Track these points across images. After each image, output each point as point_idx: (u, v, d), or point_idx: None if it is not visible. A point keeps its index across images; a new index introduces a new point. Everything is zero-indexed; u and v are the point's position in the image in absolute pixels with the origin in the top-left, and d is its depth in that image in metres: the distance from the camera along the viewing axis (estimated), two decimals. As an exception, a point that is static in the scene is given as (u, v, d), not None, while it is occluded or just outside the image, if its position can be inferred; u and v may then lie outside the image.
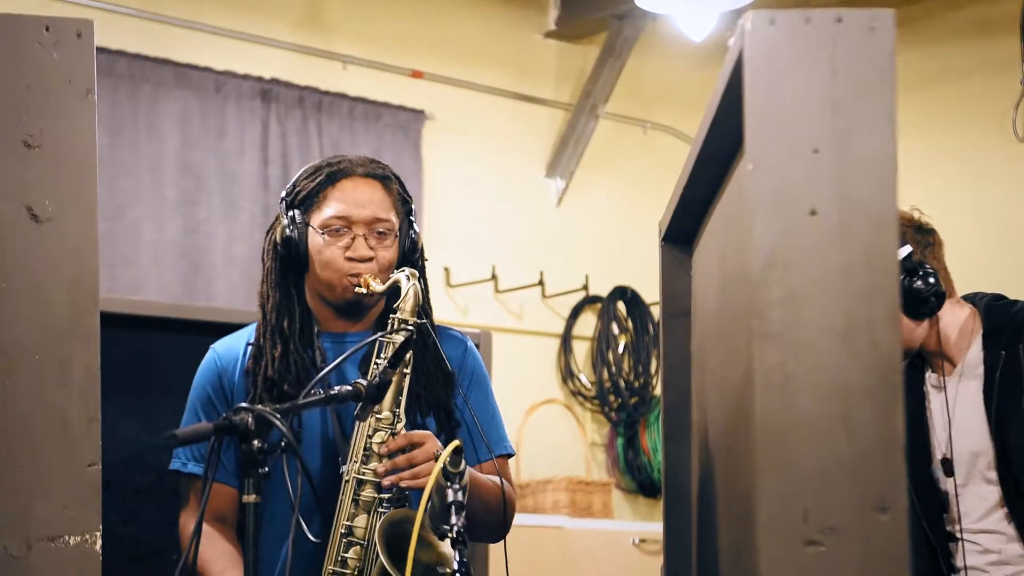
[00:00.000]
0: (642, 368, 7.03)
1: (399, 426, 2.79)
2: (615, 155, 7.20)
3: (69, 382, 2.16)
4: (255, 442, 2.17)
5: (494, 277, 6.79)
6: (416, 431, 2.79)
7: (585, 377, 6.99)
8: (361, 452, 2.78)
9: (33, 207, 2.18)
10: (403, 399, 2.80)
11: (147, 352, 3.88)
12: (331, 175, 2.95)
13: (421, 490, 2.60)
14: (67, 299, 2.19)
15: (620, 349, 7.04)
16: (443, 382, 2.95)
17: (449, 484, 2.33)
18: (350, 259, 2.90)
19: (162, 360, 3.86)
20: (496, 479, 2.90)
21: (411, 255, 3.00)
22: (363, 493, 2.76)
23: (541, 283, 6.92)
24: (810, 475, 1.87)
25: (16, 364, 2.14)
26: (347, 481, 2.78)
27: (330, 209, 2.92)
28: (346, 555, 2.75)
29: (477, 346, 4.19)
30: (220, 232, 6.11)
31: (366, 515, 2.76)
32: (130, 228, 5.93)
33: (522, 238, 6.94)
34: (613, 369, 6.97)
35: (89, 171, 2.23)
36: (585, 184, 7.09)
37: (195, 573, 2.28)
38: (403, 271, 2.87)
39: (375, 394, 2.64)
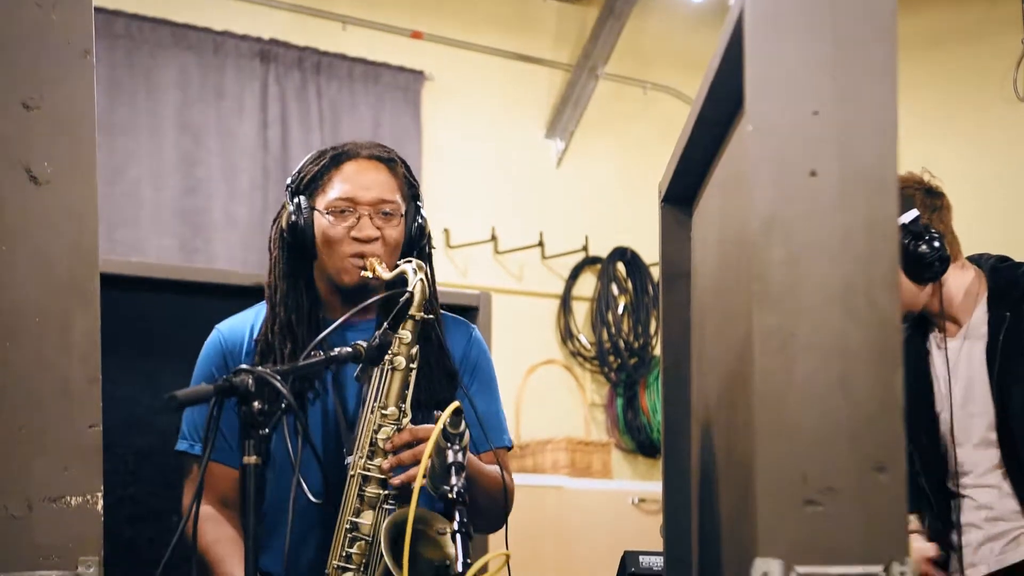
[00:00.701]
0: (641, 329, 7.03)
1: (405, 421, 2.77)
2: (615, 116, 7.19)
3: (70, 344, 2.17)
4: (255, 403, 2.17)
5: (494, 238, 6.79)
6: (420, 426, 2.78)
7: (585, 338, 6.99)
8: (367, 448, 2.77)
9: (32, 169, 2.17)
10: (409, 394, 2.79)
11: (147, 313, 3.89)
12: (335, 158, 2.94)
13: (424, 487, 2.61)
14: (67, 261, 2.19)
15: (620, 310, 7.05)
16: (446, 381, 2.94)
17: (449, 445, 2.34)
18: (355, 239, 2.88)
19: (162, 321, 3.86)
20: (496, 468, 2.90)
21: (418, 241, 2.98)
22: (368, 489, 2.75)
23: (541, 244, 6.92)
24: (809, 436, 1.88)
25: (17, 326, 2.14)
26: (352, 476, 2.77)
27: (335, 191, 2.91)
28: (351, 550, 2.74)
29: (476, 308, 4.21)
30: (219, 193, 6.11)
31: (371, 511, 2.75)
32: (129, 189, 5.93)
33: (522, 199, 6.94)
34: (612, 330, 6.97)
35: (88, 132, 2.23)
36: (585, 145, 7.08)
37: (195, 547, 2.28)
38: (410, 262, 2.85)
39: (375, 355, 2.64)
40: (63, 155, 2.20)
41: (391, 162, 2.97)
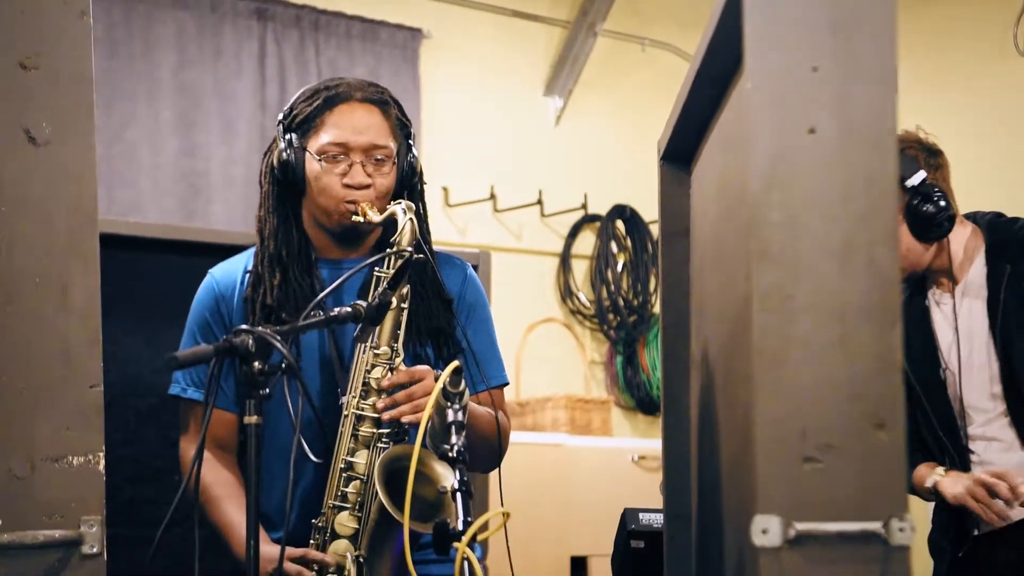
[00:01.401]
0: (641, 286, 7.03)
1: (397, 361, 2.79)
2: (614, 73, 7.17)
3: (70, 304, 2.17)
4: (256, 363, 2.18)
5: (492, 196, 6.78)
6: (415, 367, 2.79)
7: (584, 296, 7.00)
8: (360, 387, 2.78)
9: (31, 130, 2.17)
10: (401, 334, 2.80)
11: (147, 274, 3.89)
12: (329, 99, 2.93)
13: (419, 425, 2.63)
14: (66, 222, 2.19)
15: (619, 268, 7.05)
16: (442, 309, 2.95)
17: (449, 404, 2.34)
18: (347, 186, 2.89)
19: (162, 281, 3.86)
20: (490, 410, 2.91)
21: (409, 179, 2.99)
22: (362, 428, 2.77)
23: (540, 202, 6.91)
24: (808, 394, 1.88)
25: (17, 287, 2.14)
26: (346, 416, 2.79)
27: (327, 135, 2.90)
28: (346, 489, 2.76)
29: (476, 267, 4.21)
30: (218, 154, 6.10)
31: (366, 450, 2.77)
32: (128, 150, 5.92)
33: (520, 157, 6.93)
34: (612, 287, 6.98)
35: (86, 93, 2.22)
36: (583, 102, 7.06)
37: (196, 498, 2.29)
38: (400, 203, 2.86)
39: (374, 315, 2.64)
40: (61, 116, 2.19)
41: (384, 104, 2.97)
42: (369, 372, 2.78)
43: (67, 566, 2.14)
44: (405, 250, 2.78)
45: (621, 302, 6.99)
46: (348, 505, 2.76)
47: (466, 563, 2.08)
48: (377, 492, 2.64)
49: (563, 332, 6.97)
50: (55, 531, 2.13)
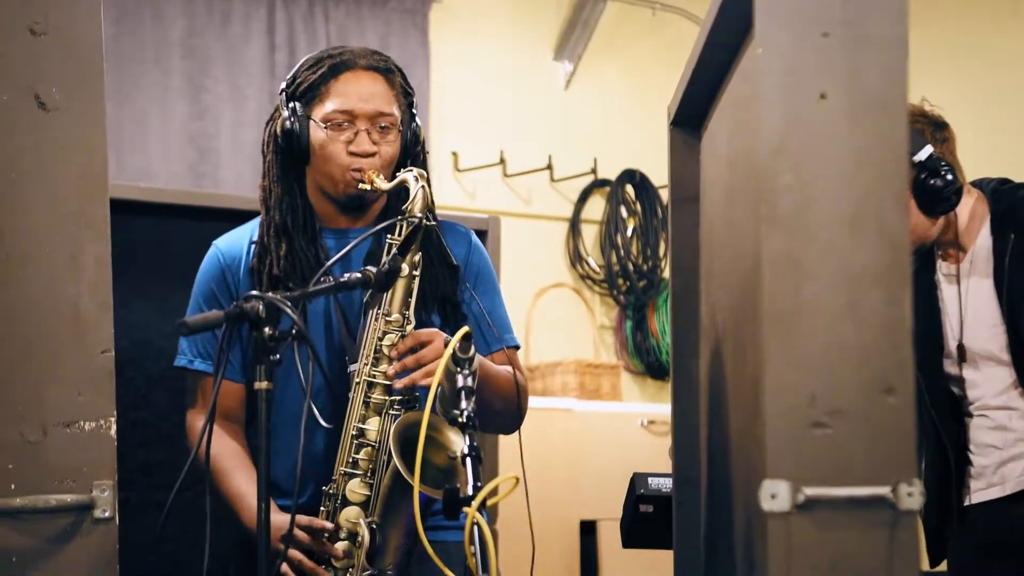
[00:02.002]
0: (650, 251, 7.03)
1: (409, 328, 2.78)
2: (623, 37, 7.14)
3: (80, 270, 2.17)
4: (266, 329, 2.18)
5: (502, 161, 6.77)
6: (423, 330, 2.79)
7: (594, 261, 7.00)
8: (372, 354, 2.78)
9: (41, 95, 2.17)
10: (412, 301, 2.80)
11: (157, 238, 3.90)
12: (333, 68, 2.92)
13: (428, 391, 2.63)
14: (76, 187, 2.20)
15: (629, 232, 7.04)
16: (448, 276, 2.95)
17: (459, 370, 2.35)
18: (353, 154, 2.88)
19: (172, 246, 3.87)
20: (508, 369, 2.92)
21: (413, 147, 2.99)
22: (373, 395, 2.77)
23: (549, 167, 6.90)
24: (817, 360, 1.89)
25: (28, 253, 2.15)
26: (357, 383, 2.79)
27: (332, 103, 2.90)
28: (357, 456, 2.77)
29: (485, 232, 4.21)
30: (227, 118, 6.09)
31: (377, 417, 2.77)
32: (137, 115, 5.92)
33: (530, 122, 6.91)
34: (622, 252, 6.97)
35: (95, 58, 2.22)
36: (593, 67, 7.04)
37: (207, 467, 2.30)
38: (411, 171, 2.84)
39: (384, 281, 2.64)
40: (71, 81, 2.20)
41: (388, 72, 2.96)
42: (381, 339, 2.78)
43: (79, 530, 2.15)
44: (415, 216, 2.78)
45: (631, 267, 6.98)
46: (359, 472, 2.76)
47: (476, 528, 2.09)
48: (391, 458, 2.64)
49: (573, 297, 6.97)
50: (67, 495, 2.14)
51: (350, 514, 2.74)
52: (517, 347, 3.08)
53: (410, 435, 2.61)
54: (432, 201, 2.85)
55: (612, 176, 7.03)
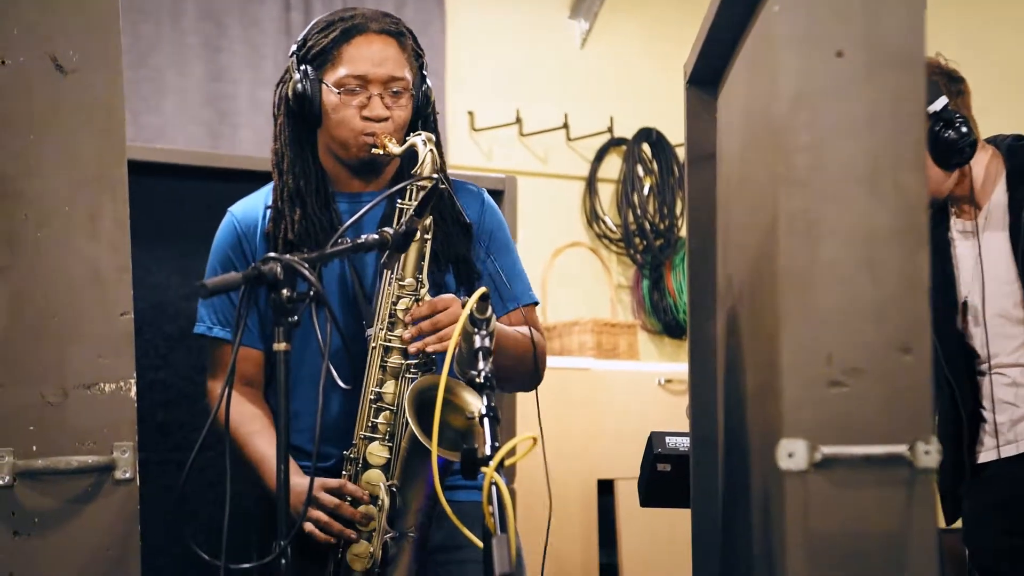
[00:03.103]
0: (667, 210, 7.01)
1: (423, 292, 2.79)
2: (640, -5, 7.11)
3: (99, 232, 2.18)
4: (284, 291, 2.19)
5: (518, 120, 6.76)
6: (439, 297, 2.79)
7: (610, 220, 6.99)
8: (387, 319, 2.79)
9: (58, 58, 2.18)
10: (425, 265, 2.80)
11: (175, 200, 3.90)
12: (346, 31, 2.91)
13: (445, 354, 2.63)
14: (95, 149, 2.20)
15: (645, 191, 7.03)
16: (461, 235, 2.95)
17: (476, 330, 2.35)
18: (365, 118, 2.87)
19: (190, 207, 3.87)
20: (524, 329, 2.92)
21: (424, 110, 2.98)
22: (390, 360, 2.78)
23: (566, 126, 6.89)
24: (834, 318, 1.89)
25: (47, 215, 2.16)
26: (374, 348, 2.79)
27: (345, 67, 2.89)
28: (376, 420, 2.78)
29: (502, 191, 4.20)
30: (244, 78, 6.08)
31: (394, 380, 2.78)
32: (153, 75, 5.91)
33: (546, 80, 6.89)
34: (638, 211, 6.96)
35: (112, 19, 2.23)
36: (609, 25, 7.01)
37: (226, 433, 2.31)
38: (419, 135, 2.84)
39: (401, 242, 2.65)
40: (88, 43, 2.20)
41: (400, 35, 2.95)
42: (395, 304, 2.78)
43: (100, 491, 2.17)
44: (428, 177, 2.78)
45: (647, 226, 6.97)
46: (379, 435, 2.77)
47: (494, 488, 2.09)
48: (408, 422, 2.65)
49: (589, 256, 6.97)
50: (88, 457, 2.16)
51: (371, 477, 2.76)
52: (535, 303, 3.08)
53: (426, 398, 2.62)
54: (443, 162, 2.85)
55: (628, 135, 7.01)
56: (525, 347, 2.89)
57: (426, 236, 2.80)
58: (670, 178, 7.01)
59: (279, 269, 2.18)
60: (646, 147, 7.05)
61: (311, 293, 2.19)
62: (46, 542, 2.13)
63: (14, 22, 2.15)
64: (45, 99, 2.16)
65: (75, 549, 2.15)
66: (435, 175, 2.78)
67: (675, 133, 6.91)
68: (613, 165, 7.04)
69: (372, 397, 2.78)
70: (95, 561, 2.16)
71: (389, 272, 2.80)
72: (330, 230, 2.87)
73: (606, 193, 7.02)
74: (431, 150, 2.81)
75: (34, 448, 2.13)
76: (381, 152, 2.85)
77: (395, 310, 2.78)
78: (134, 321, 2.21)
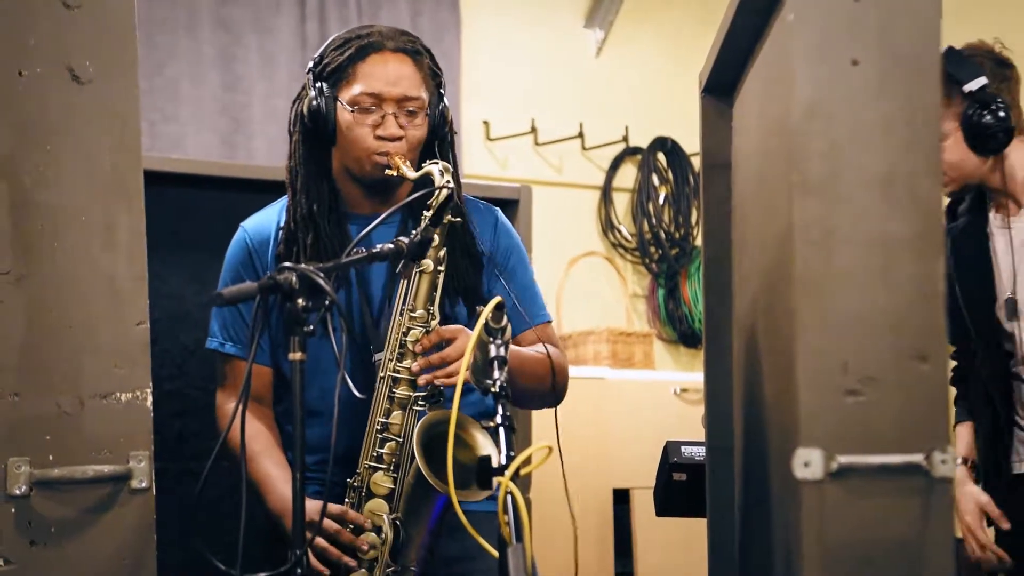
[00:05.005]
0: (682, 219, 7.01)
1: (434, 323, 2.77)
2: (655, 4, 7.12)
3: (116, 242, 2.19)
4: (299, 300, 2.19)
5: (533, 130, 6.76)
6: (448, 327, 2.78)
7: (625, 229, 6.99)
8: (396, 350, 2.77)
9: (75, 68, 2.18)
10: (437, 296, 2.78)
11: (191, 210, 3.91)
12: (361, 49, 2.89)
13: (454, 387, 2.63)
14: (111, 159, 2.21)
15: (660, 200, 7.03)
16: (473, 267, 2.93)
17: (491, 339, 2.35)
18: (380, 138, 2.85)
19: (205, 217, 3.88)
20: (540, 348, 2.90)
21: (440, 130, 2.95)
22: (398, 390, 2.76)
23: (581, 135, 6.89)
24: (850, 327, 1.88)
25: (63, 225, 2.16)
26: (382, 378, 2.78)
27: (360, 85, 2.87)
28: (381, 450, 2.76)
29: (517, 201, 4.20)
30: (259, 88, 6.10)
31: (401, 411, 2.76)
32: (169, 85, 5.93)
33: (561, 90, 6.90)
34: (653, 220, 6.96)
35: (128, 30, 2.23)
36: (624, 34, 7.02)
37: (241, 457, 2.31)
38: (437, 163, 2.81)
39: (416, 251, 2.64)
40: (104, 54, 2.20)
41: (417, 54, 2.93)
42: (405, 335, 2.77)
43: (117, 500, 2.17)
44: (442, 187, 2.76)
45: (663, 235, 6.97)
46: (383, 465, 2.76)
47: (510, 497, 2.09)
48: (414, 456, 2.64)
49: (605, 265, 6.97)
50: (104, 466, 2.16)
51: (374, 506, 2.75)
52: (548, 321, 3.07)
53: (434, 434, 2.61)
54: (457, 183, 2.83)
55: (644, 144, 7.01)
56: (544, 366, 2.87)
57: (439, 268, 2.78)
58: (685, 187, 7.01)
59: (294, 278, 2.19)
60: (661, 156, 7.05)
61: (327, 303, 2.19)
62: (62, 551, 2.13)
63: (31, 33, 2.16)
64: (61, 110, 2.17)
65: (91, 558, 2.15)
66: (448, 185, 2.78)
67: (690, 142, 6.91)
68: (628, 174, 7.04)
69: (379, 426, 2.77)
70: (111, 570, 2.16)
71: (400, 302, 2.78)
72: (342, 253, 2.86)
73: (621, 202, 7.02)
74: (448, 180, 2.78)
75: (50, 458, 2.13)
76: (394, 173, 2.83)
77: (405, 340, 2.77)
78: (150, 331, 2.21)
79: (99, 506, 2.16)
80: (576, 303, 6.75)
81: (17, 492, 2.11)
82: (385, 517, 2.73)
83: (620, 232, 6.96)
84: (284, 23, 6.17)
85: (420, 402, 2.76)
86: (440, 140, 2.96)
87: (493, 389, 2.28)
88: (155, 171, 3.48)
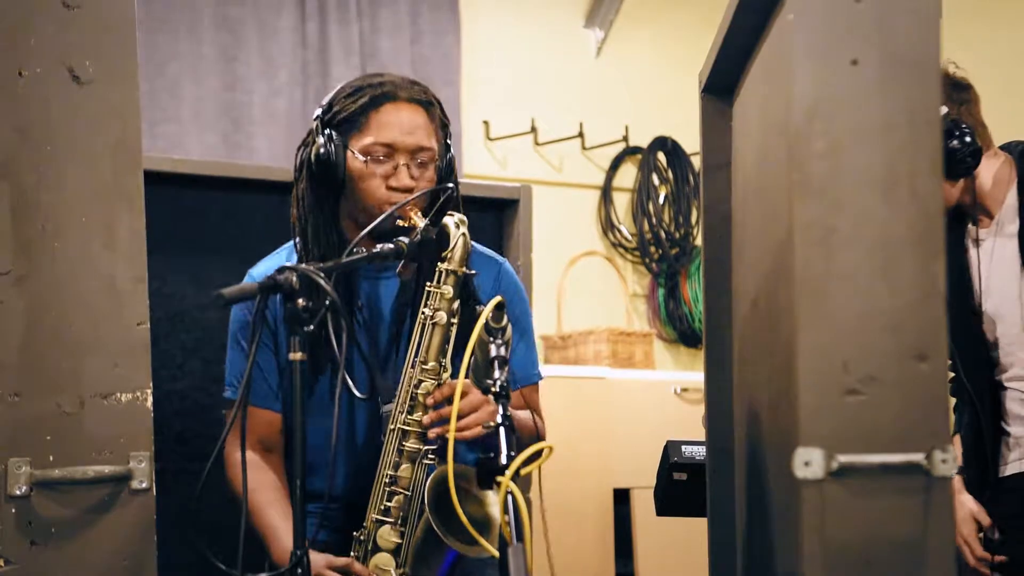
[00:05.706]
0: (683, 219, 7.01)
1: (445, 376, 2.75)
2: (654, 4, 7.12)
3: (116, 243, 2.19)
4: (300, 300, 2.19)
5: (533, 130, 6.76)
6: (458, 380, 2.76)
7: (626, 228, 6.99)
8: (407, 402, 2.75)
9: (74, 69, 2.18)
10: (449, 349, 2.76)
11: (191, 210, 3.90)
12: (375, 98, 2.85)
13: (464, 441, 2.66)
14: (111, 160, 2.21)
15: (660, 200, 7.03)
16: (472, 318, 2.90)
17: (492, 340, 2.35)
18: (392, 188, 2.82)
19: (206, 217, 3.88)
20: (527, 414, 2.88)
21: (447, 178, 2.91)
22: (408, 443, 2.75)
23: (581, 135, 6.89)
24: (850, 326, 1.88)
25: (64, 225, 2.16)
26: (392, 430, 2.75)
27: (372, 135, 2.84)
28: (389, 504, 2.74)
29: (517, 201, 4.20)
30: (259, 88, 6.10)
31: (410, 464, 2.74)
32: (169, 85, 5.93)
33: (561, 89, 6.90)
34: (654, 220, 6.96)
35: (128, 30, 2.23)
36: (624, 34, 7.01)
37: (242, 452, 2.31)
38: (452, 216, 2.78)
39: (416, 252, 2.64)
40: (104, 54, 2.20)
41: (429, 104, 2.90)
42: (416, 387, 2.75)
43: (117, 501, 2.17)
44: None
45: (663, 234, 6.97)
46: (391, 519, 2.74)
47: (510, 497, 2.09)
48: (423, 509, 2.63)
49: (605, 265, 6.97)
50: (104, 467, 2.16)
51: (381, 560, 2.73)
52: (540, 380, 3.06)
53: (445, 489, 2.61)
54: (469, 248, 2.80)
55: (644, 143, 7.01)
56: (528, 430, 2.86)
57: (452, 321, 2.76)
58: (685, 187, 7.01)
59: (295, 279, 2.19)
60: (661, 156, 7.05)
61: (328, 303, 2.20)
62: (63, 552, 2.13)
63: (31, 33, 2.16)
64: (61, 110, 2.17)
65: (91, 559, 2.15)
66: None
67: (690, 141, 6.92)
68: (628, 174, 7.04)
69: (387, 479, 2.75)
70: (111, 571, 2.16)
71: (412, 355, 2.76)
72: (354, 310, 2.86)
73: (621, 202, 7.02)
74: (464, 234, 2.76)
75: (51, 458, 2.13)
76: (406, 226, 2.78)
77: (416, 393, 2.75)
78: (150, 331, 2.21)
79: (99, 506, 2.16)
80: (576, 303, 6.75)
81: (17, 492, 2.11)
82: (392, 572, 2.72)
83: (620, 232, 6.96)
84: (284, 23, 6.17)
85: (430, 455, 2.74)
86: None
87: (493, 389, 2.28)
88: (155, 171, 3.48)
